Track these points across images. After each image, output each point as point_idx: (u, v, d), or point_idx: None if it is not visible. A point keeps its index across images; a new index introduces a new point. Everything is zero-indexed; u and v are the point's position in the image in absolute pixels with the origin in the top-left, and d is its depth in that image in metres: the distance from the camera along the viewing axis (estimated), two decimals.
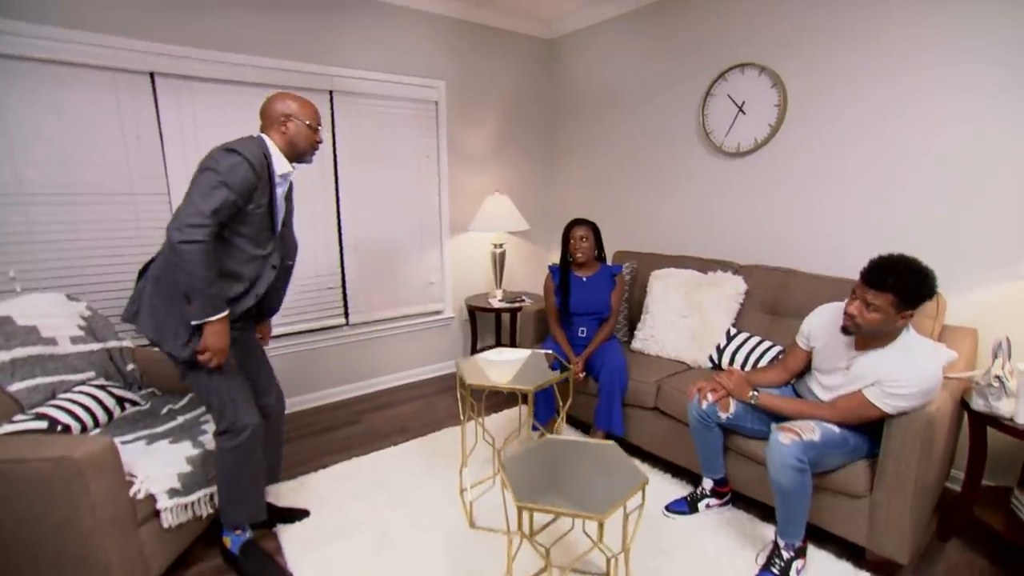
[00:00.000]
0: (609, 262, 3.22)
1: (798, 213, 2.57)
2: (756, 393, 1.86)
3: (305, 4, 2.76)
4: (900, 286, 1.50)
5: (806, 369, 1.95)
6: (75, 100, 2.28)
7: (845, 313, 1.63)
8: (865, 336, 1.64)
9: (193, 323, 1.48)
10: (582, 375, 2.52)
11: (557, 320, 2.64)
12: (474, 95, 3.47)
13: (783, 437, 1.62)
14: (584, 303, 2.57)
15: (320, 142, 1.74)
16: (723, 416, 1.92)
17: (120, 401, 1.94)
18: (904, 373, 1.55)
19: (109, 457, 1.43)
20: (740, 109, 2.70)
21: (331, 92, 2.91)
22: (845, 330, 1.66)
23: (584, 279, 2.61)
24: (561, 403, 2.29)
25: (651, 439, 2.43)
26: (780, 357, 2.22)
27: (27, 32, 2.13)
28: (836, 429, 1.68)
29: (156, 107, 2.47)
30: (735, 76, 2.70)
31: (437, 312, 3.56)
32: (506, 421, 2.88)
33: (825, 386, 1.82)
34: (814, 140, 2.47)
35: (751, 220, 2.76)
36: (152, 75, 2.44)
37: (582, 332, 2.59)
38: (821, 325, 1.84)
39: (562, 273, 2.63)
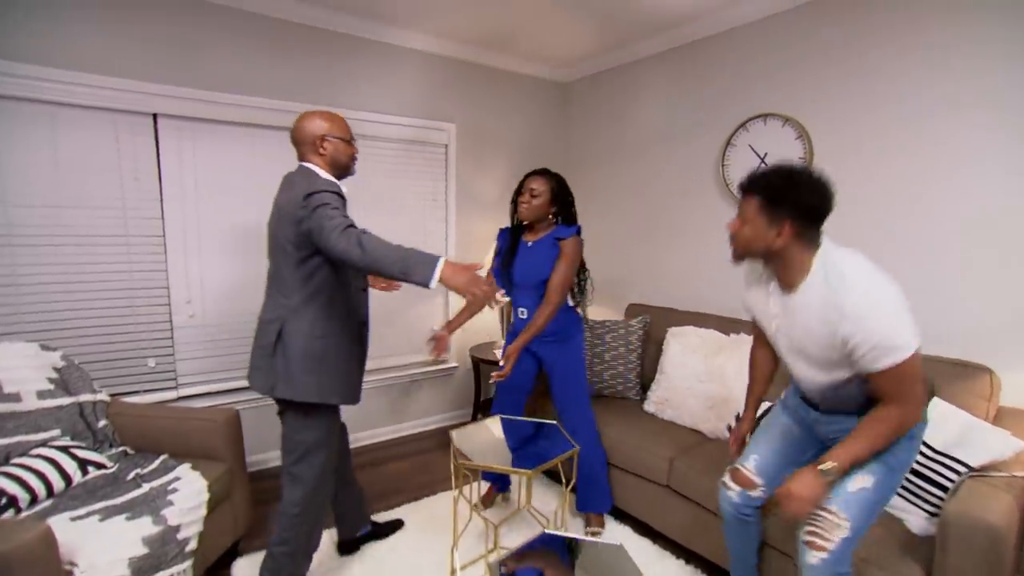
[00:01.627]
0: (622, 316, 3.04)
1: None
2: (830, 466, 1.30)
3: (313, 46, 2.71)
4: (763, 184, 1.27)
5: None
6: (73, 140, 2.21)
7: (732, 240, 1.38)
8: (750, 258, 1.36)
9: (433, 284, 1.35)
10: (503, 374, 1.99)
11: None
12: (485, 139, 3.37)
13: (811, 557, 1.32)
14: (523, 273, 2.11)
15: (357, 152, 1.73)
16: (755, 495, 1.58)
17: (83, 464, 1.77)
18: (840, 321, 1.19)
19: (43, 550, 1.25)
20: (762, 161, 2.53)
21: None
22: (735, 256, 1.39)
23: (529, 244, 2.12)
24: (564, 480, 2.06)
25: (663, 519, 2.18)
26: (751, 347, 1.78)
27: (27, 74, 2.07)
28: (869, 484, 1.31)
29: (157, 148, 2.39)
30: (757, 126, 2.55)
31: (440, 361, 3.38)
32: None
33: (787, 358, 1.44)
34: (842, 195, 2.27)
35: None
36: (155, 116, 2.37)
37: (522, 314, 2.11)
38: (747, 282, 1.55)
39: (513, 237, 2.17)
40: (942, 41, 1.96)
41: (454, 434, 1.94)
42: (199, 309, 2.54)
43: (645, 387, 2.73)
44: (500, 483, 2.44)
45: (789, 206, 1.24)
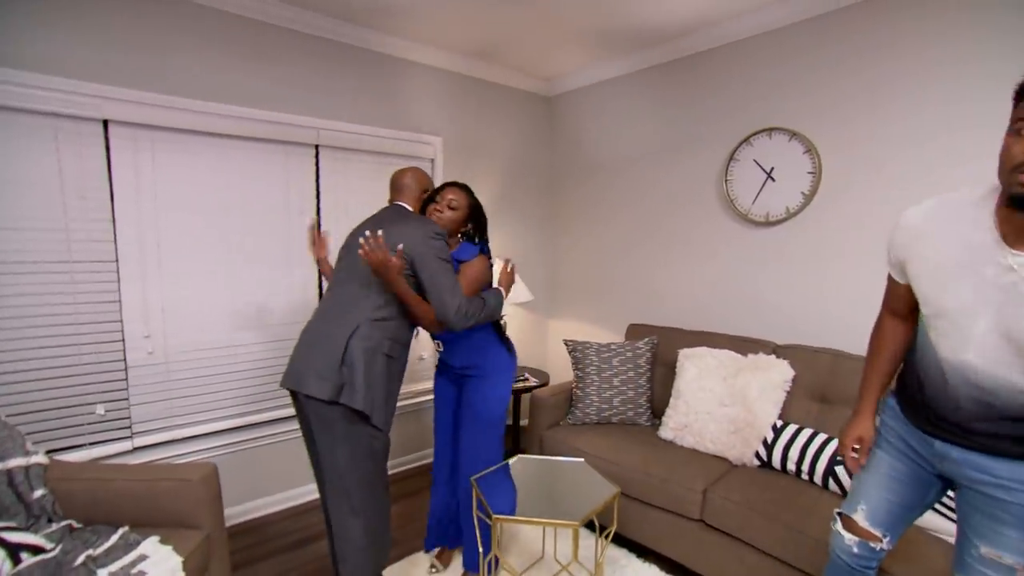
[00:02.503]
0: (623, 337, 2.92)
1: (839, 289, 2.31)
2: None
3: (291, 50, 2.45)
4: None
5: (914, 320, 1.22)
6: (1, 149, 1.84)
7: (1008, 161, 0.90)
8: None
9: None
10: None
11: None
12: (472, 152, 3.20)
13: None
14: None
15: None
16: (878, 547, 1.29)
17: (13, 551, 1.40)
18: None
19: None
20: (769, 176, 2.48)
21: (316, 147, 2.58)
22: (1019, 200, 0.89)
23: None
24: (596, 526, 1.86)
25: (697, 557, 2.02)
26: (881, 315, 1.33)
27: None
28: None
29: (108, 160, 2.04)
30: (762, 141, 2.50)
31: (429, 391, 3.10)
32: (521, 544, 2.40)
33: (971, 350, 1.00)
34: (853, 210, 2.25)
35: (784, 294, 2.49)
36: (106, 123, 2.03)
37: (438, 347, 1.96)
38: (926, 222, 1.07)
39: None
40: (952, 57, 1.96)
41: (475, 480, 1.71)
42: (159, 344, 2.19)
43: (656, 412, 2.59)
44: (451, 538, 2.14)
45: None
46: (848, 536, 1.32)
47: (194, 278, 2.27)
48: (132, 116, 2.05)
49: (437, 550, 2.16)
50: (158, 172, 2.16)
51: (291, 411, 2.55)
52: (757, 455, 2.13)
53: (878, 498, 1.28)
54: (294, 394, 1.61)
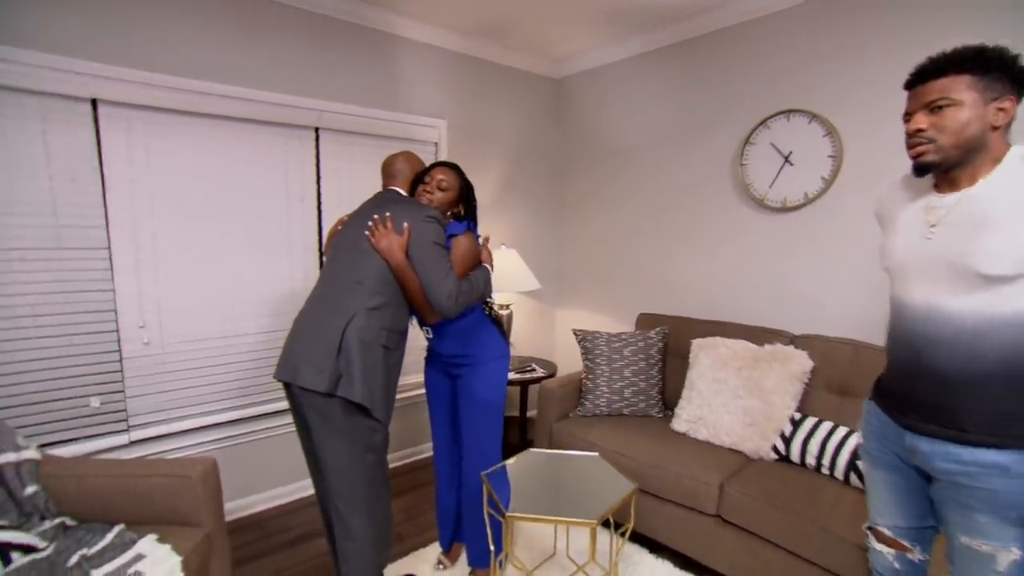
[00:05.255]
0: (633, 326, 2.85)
1: (860, 277, 2.22)
2: None
3: (290, 29, 2.34)
4: (972, 56, 1.02)
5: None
6: None
7: (908, 141, 1.10)
8: (949, 163, 1.06)
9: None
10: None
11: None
12: (478, 137, 3.10)
13: None
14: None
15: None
16: (916, 558, 1.24)
17: (4, 551, 1.33)
18: None
19: None
20: (786, 159, 2.39)
21: (317, 129, 2.49)
22: (920, 169, 1.09)
23: None
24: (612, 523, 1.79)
25: (713, 553, 1.98)
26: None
27: None
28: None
29: (98, 141, 1.95)
30: (779, 123, 2.41)
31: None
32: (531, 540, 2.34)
33: (919, 286, 1.10)
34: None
35: (802, 282, 2.42)
36: (94, 102, 1.93)
37: (427, 334, 1.87)
38: (884, 203, 1.26)
39: None
40: (980, 38, 1.86)
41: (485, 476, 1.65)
42: (155, 335, 2.11)
43: (668, 404, 2.54)
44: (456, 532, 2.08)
45: (1012, 75, 1.02)
46: (886, 551, 1.27)
47: (190, 265, 2.18)
48: (123, 96, 1.96)
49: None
50: (152, 155, 2.06)
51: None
52: (774, 448, 2.06)
53: (889, 513, 1.25)
54: (288, 387, 1.54)
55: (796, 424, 2.05)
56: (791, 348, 2.20)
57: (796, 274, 2.43)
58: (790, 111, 2.36)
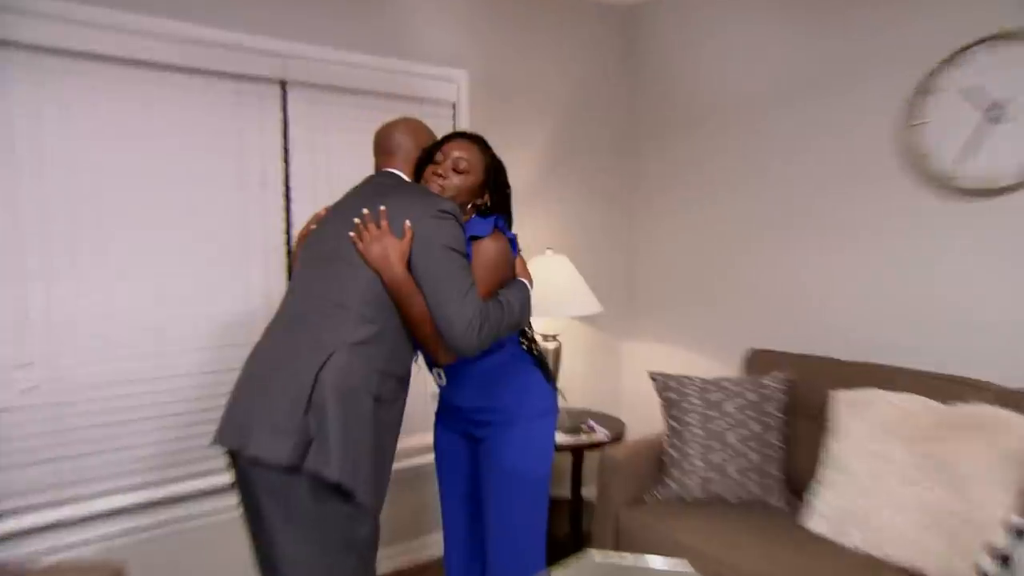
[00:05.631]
0: (740, 369, 2.83)
1: None
2: None
3: None
4: None
5: None
6: None
7: None
8: None
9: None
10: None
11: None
12: (511, 93, 3.09)
13: None
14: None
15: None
16: None
17: None
18: None
19: None
20: (990, 116, 2.17)
21: (283, 83, 2.48)
22: None
23: None
24: None
25: None
26: None
27: None
28: None
29: None
30: (979, 59, 2.16)
31: (430, 448, 2.96)
32: None
33: None
34: None
35: (1012, 310, 2.19)
36: None
37: (438, 379, 1.86)
38: None
39: None
40: None
41: None
42: (44, 376, 2.03)
43: (795, 490, 2.37)
44: None
45: None
46: None
47: (100, 277, 2.14)
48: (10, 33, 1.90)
49: None
50: (43, 120, 2.01)
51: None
52: (980, 573, 1.75)
53: None
54: (234, 456, 1.48)
55: (1019, 535, 1.74)
56: (1000, 410, 1.97)
57: (1006, 295, 2.19)
58: (999, 36, 2.12)
